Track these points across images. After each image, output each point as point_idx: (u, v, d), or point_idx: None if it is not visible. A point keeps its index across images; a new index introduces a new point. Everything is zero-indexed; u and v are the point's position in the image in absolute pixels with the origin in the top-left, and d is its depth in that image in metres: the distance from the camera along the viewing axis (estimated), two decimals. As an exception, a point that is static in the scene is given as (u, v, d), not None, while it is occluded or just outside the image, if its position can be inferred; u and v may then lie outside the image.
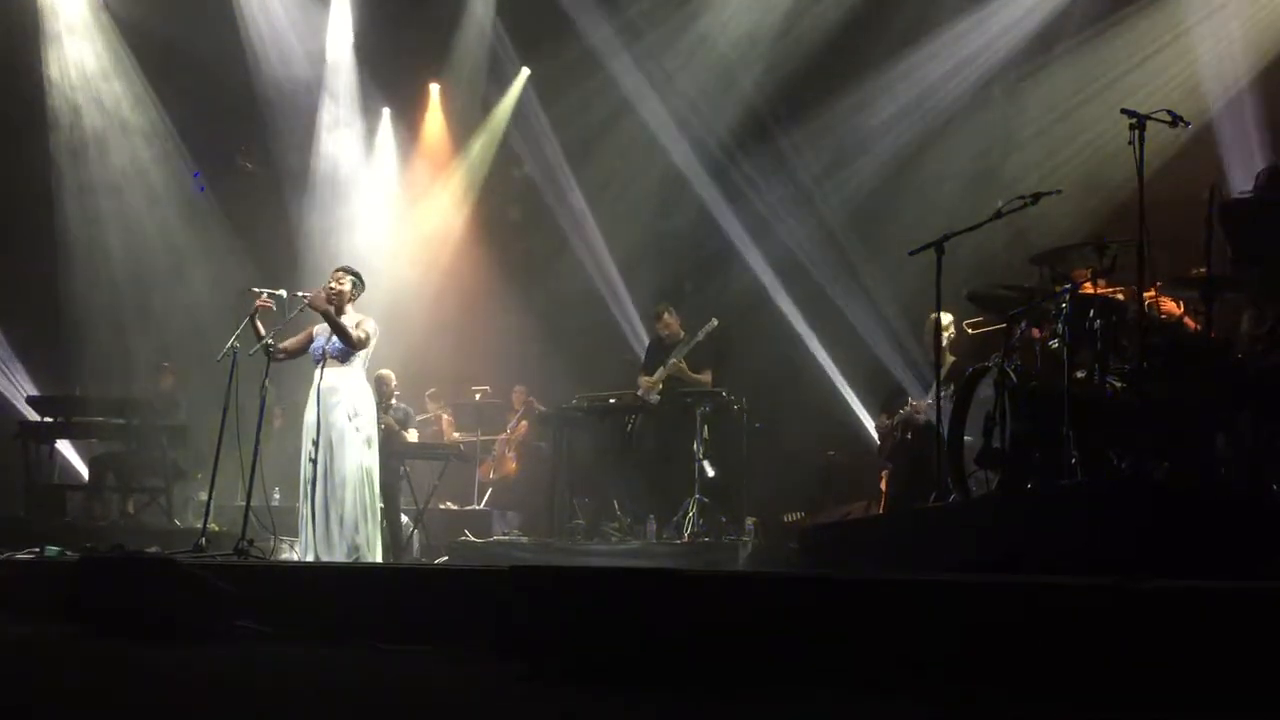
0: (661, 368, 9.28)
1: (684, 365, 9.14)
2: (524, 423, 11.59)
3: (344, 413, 7.13)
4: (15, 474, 9.77)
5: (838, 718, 3.33)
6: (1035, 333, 6.02)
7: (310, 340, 7.36)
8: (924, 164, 10.31)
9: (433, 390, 11.91)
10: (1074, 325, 5.57)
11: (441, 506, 10.41)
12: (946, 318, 7.57)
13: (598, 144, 12.44)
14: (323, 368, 7.17)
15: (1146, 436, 5.16)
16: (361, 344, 7.24)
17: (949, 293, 6.22)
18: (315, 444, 7.10)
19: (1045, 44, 9.79)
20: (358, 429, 7.16)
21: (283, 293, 7.48)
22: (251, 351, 7.16)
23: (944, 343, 7.08)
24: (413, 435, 10.07)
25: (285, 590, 5.67)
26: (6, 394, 11.98)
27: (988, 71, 10.17)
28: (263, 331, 7.17)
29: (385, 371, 10.05)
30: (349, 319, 7.26)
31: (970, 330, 6.82)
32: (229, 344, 7.14)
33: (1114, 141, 7.86)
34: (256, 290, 7.49)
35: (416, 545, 9.43)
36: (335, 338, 7.18)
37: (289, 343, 7.40)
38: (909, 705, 3.35)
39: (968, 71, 10.27)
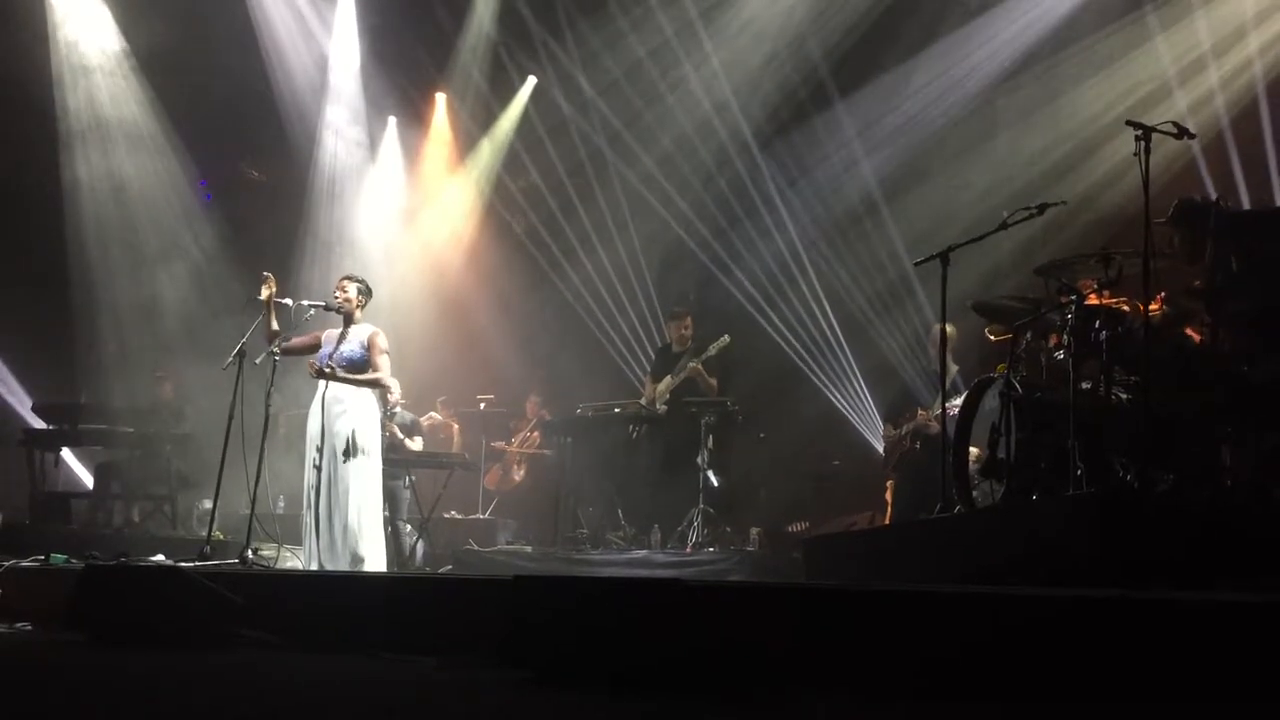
0: (670, 376, 9.28)
1: (701, 368, 9.13)
2: (536, 433, 11.59)
3: (348, 422, 7.13)
4: (20, 481, 9.78)
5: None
6: (1054, 339, 6.00)
7: (316, 344, 7.36)
8: (927, 173, 10.31)
9: (444, 398, 11.92)
10: (1079, 336, 5.57)
11: (446, 515, 10.40)
12: (950, 328, 7.60)
13: (602, 152, 12.47)
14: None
15: (1151, 448, 5.15)
16: (387, 382, 7.40)
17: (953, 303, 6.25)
18: (319, 452, 7.11)
19: (1051, 53, 9.79)
20: (362, 438, 7.16)
21: (288, 301, 7.49)
22: (258, 360, 7.17)
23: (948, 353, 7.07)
24: (417, 444, 10.06)
25: (289, 599, 5.67)
26: (12, 401, 12.00)
27: (990, 84, 10.18)
28: (276, 326, 7.19)
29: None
30: (359, 329, 7.27)
31: (994, 338, 6.81)
32: (235, 351, 7.15)
33: (1120, 153, 7.87)
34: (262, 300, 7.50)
35: (420, 554, 9.42)
36: (342, 347, 7.19)
37: (294, 342, 7.40)
38: (914, 715, 3.34)
39: (970, 83, 10.28)
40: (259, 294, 7.16)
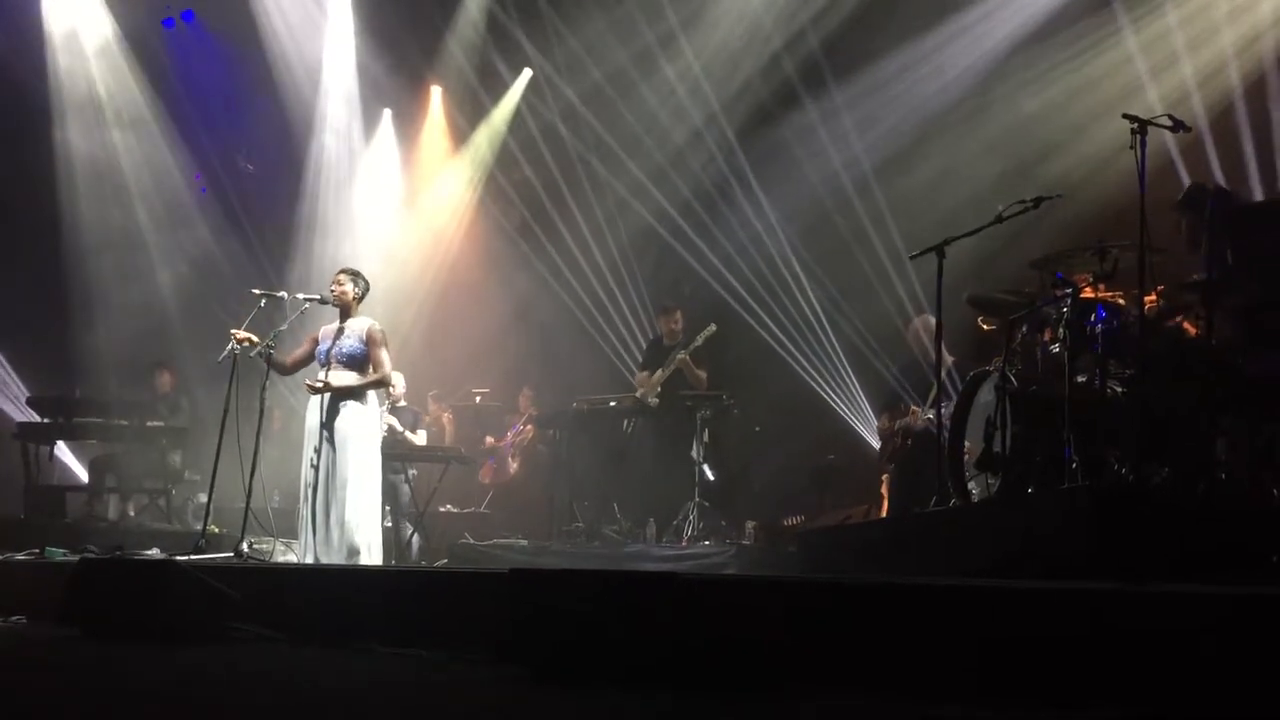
0: (662, 369, 9.28)
1: (689, 359, 9.14)
2: (530, 426, 11.58)
3: (348, 415, 7.10)
4: (15, 475, 9.77)
5: (838, 722, 3.33)
6: (1049, 333, 6.00)
7: (314, 345, 7.33)
8: (913, 163, 10.28)
9: (435, 391, 11.91)
10: (1075, 330, 5.57)
11: (442, 509, 10.40)
12: (919, 321, 7.62)
13: (597, 149, 12.45)
14: (328, 370, 7.15)
15: (1147, 441, 5.15)
16: (389, 379, 7.43)
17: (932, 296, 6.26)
18: (318, 449, 7.08)
19: (1043, 44, 9.77)
20: (361, 431, 7.14)
21: (283, 294, 7.48)
22: (253, 353, 7.15)
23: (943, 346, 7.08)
24: (421, 438, 10.06)
25: (285, 593, 5.67)
26: (6, 395, 11.99)
27: (983, 76, 10.16)
28: (255, 340, 7.16)
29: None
30: (357, 323, 7.24)
31: (986, 326, 6.83)
32: (229, 346, 7.14)
33: (1114, 145, 7.85)
34: (258, 292, 7.50)
35: (416, 548, 9.43)
36: (341, 341, 7.16)
37: (295, 355, 7.38)
38: (908, 709, 3.35)
39: (963, 75, 10.25)
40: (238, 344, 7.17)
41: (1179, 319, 5.96)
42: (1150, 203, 5.21)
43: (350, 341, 7.17)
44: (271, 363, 7.23)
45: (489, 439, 11.80)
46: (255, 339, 7.13)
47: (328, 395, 7.09)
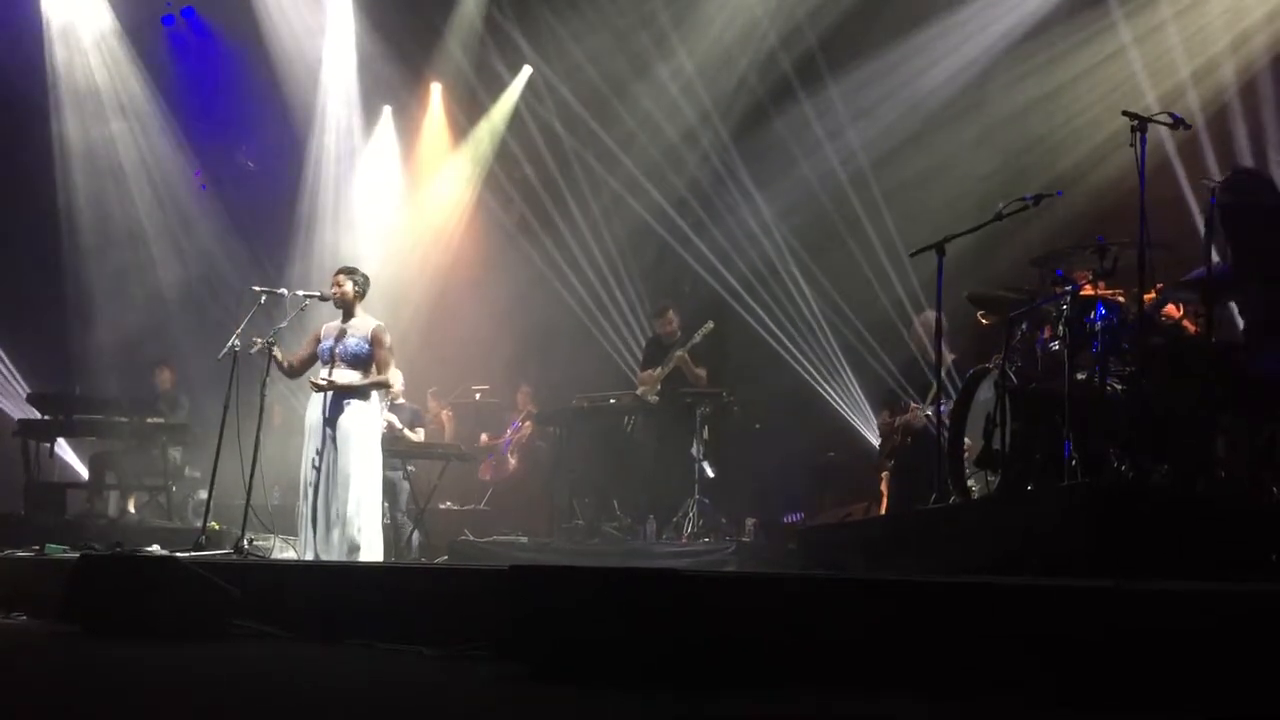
0: (661, 367, 9.28)
1: (688, 357, 9.14)
2: (529, 424, 11.59)
3: (350, 412, 7.11)
4: (16, 472, 9.77)
5: (837, 718, 3.33)
6: (1049, 330, 6.01)
7: (316, 344, 7.34)
8: (920, 162, 10.27)
9: (434, 388, 11.92)
10: (1074, 327, 5.57)
11: (442, 506, 10.41)
12: (920, 318, 7.61)
13: (594, 146, 12.44)
14: (331, 368, 7.16)
15: (1146, 439, 5.16)
16: (391, 382, 7.48)
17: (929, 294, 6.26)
18: (320, 446, 7.09)
19: (1039, 40, 9.76)
20: (363, 429, 7.14)
21: (284, 291, 7.48)
22: (254, 350, 7.16)
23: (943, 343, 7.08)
24: (419, 435, 10.07)
25: (285, 589, 5.68)
26: (6, 392, 11.99)
27: (981, 71, 10.14)
28: (257, 341, 7.17)
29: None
30: (361, 322, 7.26)
31: (985, 321, 6.84)
32: (230, 343, 7.14)
33: (1113, 142, 7.87)
34: (258, 289, 7.50)
35: (416, 545, 9.44)
36: (346, 341, 7.17)
37: (299, 355, 7.39)
38: (908, 706, 3.35)
39: (962, 70, 10.24)
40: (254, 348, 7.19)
41: (1179, 316, 5.98)
42: (1149, 200, 5.21)
43: (355, 341, 7.19)
44: (277, 365, 7.24)
45: (484, 436, 11.80)
46: (264, 341, 7.16)
47: (330, 392, 7.10)
